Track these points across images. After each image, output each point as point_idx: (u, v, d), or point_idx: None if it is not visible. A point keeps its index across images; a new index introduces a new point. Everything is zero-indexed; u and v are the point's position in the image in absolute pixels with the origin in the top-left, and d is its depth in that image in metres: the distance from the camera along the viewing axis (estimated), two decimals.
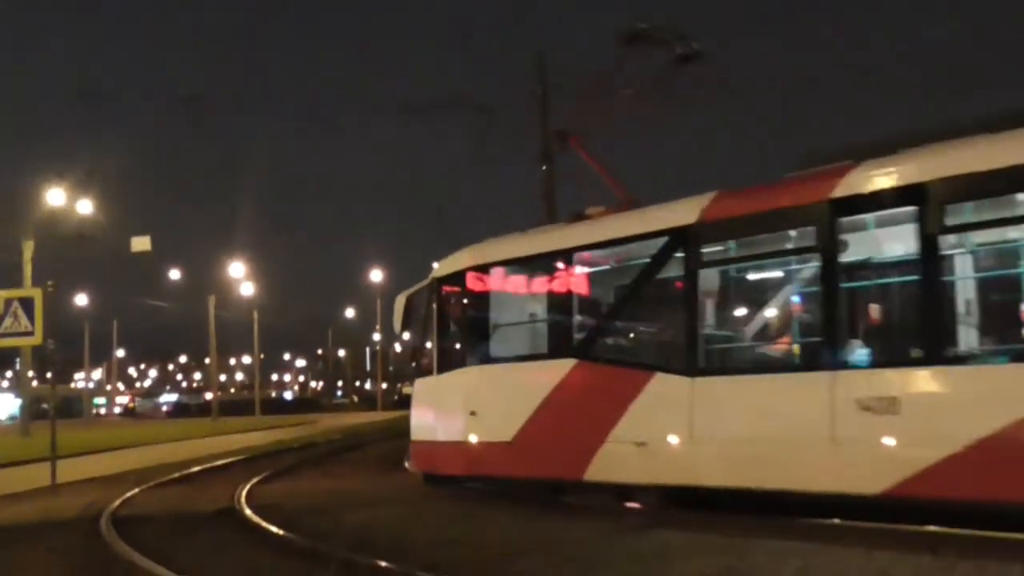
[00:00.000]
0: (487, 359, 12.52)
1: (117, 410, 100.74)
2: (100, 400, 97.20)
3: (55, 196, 38.83)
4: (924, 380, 8.24)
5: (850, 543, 8.03)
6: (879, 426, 8.34)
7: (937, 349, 8.28)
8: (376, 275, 63.82)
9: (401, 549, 8.77)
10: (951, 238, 8.57)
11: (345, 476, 17.41)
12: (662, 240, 10.49)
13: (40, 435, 32.59)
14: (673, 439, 9.94)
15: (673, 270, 10.47)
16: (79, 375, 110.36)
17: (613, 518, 10.27)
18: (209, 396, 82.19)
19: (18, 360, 56.84)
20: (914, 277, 8.65)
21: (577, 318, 11.54)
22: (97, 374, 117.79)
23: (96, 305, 76.21)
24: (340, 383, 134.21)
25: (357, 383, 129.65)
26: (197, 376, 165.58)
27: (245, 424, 49.90)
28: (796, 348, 9.76)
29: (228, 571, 8.05)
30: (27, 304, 15.78)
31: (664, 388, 10.09)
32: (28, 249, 39.14)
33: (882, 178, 8.76)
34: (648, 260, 10.75)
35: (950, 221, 8.38)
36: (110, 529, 10.78)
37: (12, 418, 79.43)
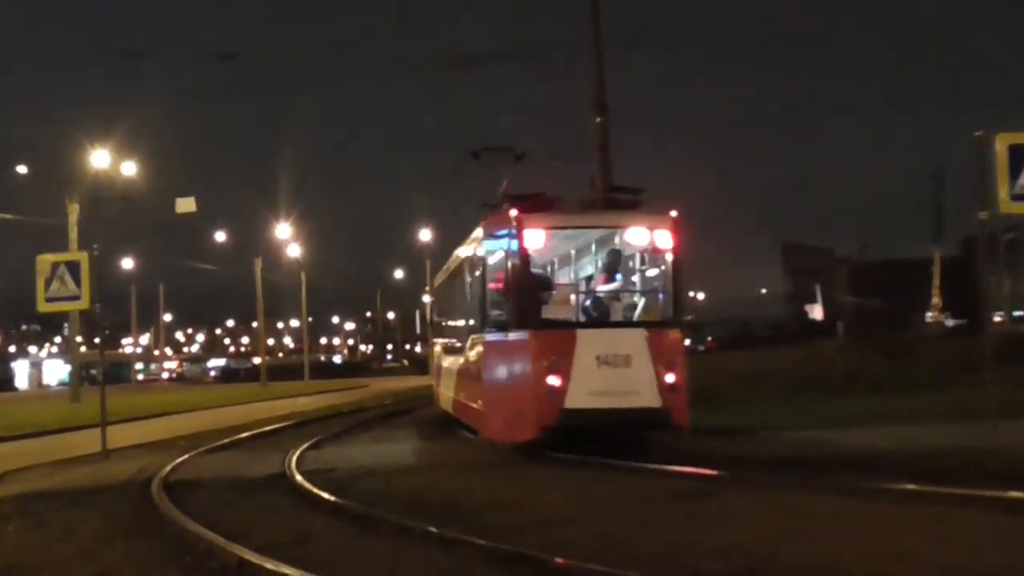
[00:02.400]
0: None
1: (165, 375, 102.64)
2: (140, 365, 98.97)
3: (99, 158, 39.40)
4: None
5: (915, 506, 8.01)
6: None
7: None
8: (424, 234, 63.89)
9: (455, 513, 8.83)
10: None
11: (397, 440, 17.55)
12: None
13: (89, 401, 33.36)
14: None
15: None
16: (127, 340, 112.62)
17: (679, 480, 10.27)
18: (257, 360, 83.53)
19: (66, 325, 58.06)
20: None
21: None
22: (145, 339, 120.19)
23: (143, 269, 77.75)
24: (390, 346, 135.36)
25: (407, 346, 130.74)
26: (245, 340, 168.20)
27: (294, 389, 50.66)
28: None
29: (279, 535, 8.15)
30: (74, 268, 16.01)
31: None
32: (73, 212, 39.82)
33: None
34: None
35: None
36: (161, 494, 10.99)
37: (62, 384, 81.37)
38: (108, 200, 39.52)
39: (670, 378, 12.52)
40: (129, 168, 39.86)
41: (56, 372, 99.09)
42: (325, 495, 10.32)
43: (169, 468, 13.73)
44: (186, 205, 37.80)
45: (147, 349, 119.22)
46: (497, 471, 11.96)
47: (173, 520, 9.25)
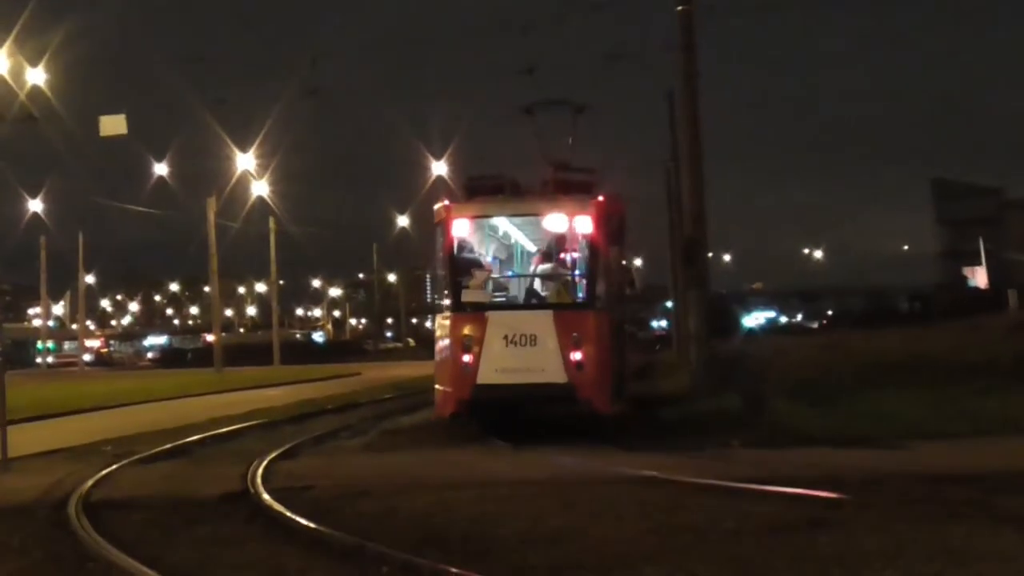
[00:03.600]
0: None
1: (86, 357, 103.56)
2: (51, 344, 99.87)
3: None
4: None
5: None
6: None
7: None
8: (439, 168, 63.82)
9: (483, 548, 8.84)
10: None
11: (400, 448, 17.67)
12: None
13: None
14: None
15: None
16: (34, 310, 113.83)
17: (784, 504, 10.24)
18: (210, 338, 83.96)
19: None
20: None
21: None
22: (59, 309, 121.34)
23: (56, 214, 77.30)
24: (390, 320, 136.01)
25: (413, 319, 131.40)
26: (194, 311, 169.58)
27: (259, 376, 51.12)
28: None
29: None
30: None
31: None
32: None
33: None
34: None
35: None
36: (81, 518, 11.06)
37: None
38: (6, 120, 39.68)
39: (576, 355, 17.10)
40: (36, 76, 39.96)
41: None
42: (302, 521, 10.38)
43: (91, 483, 13.81)
44: (114, 126, 37.77)
45: (61, 322, 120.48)
46: (538, 490, 12.04)
47: (97, 554, 9.32)
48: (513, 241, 21.32)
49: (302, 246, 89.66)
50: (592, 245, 17.93)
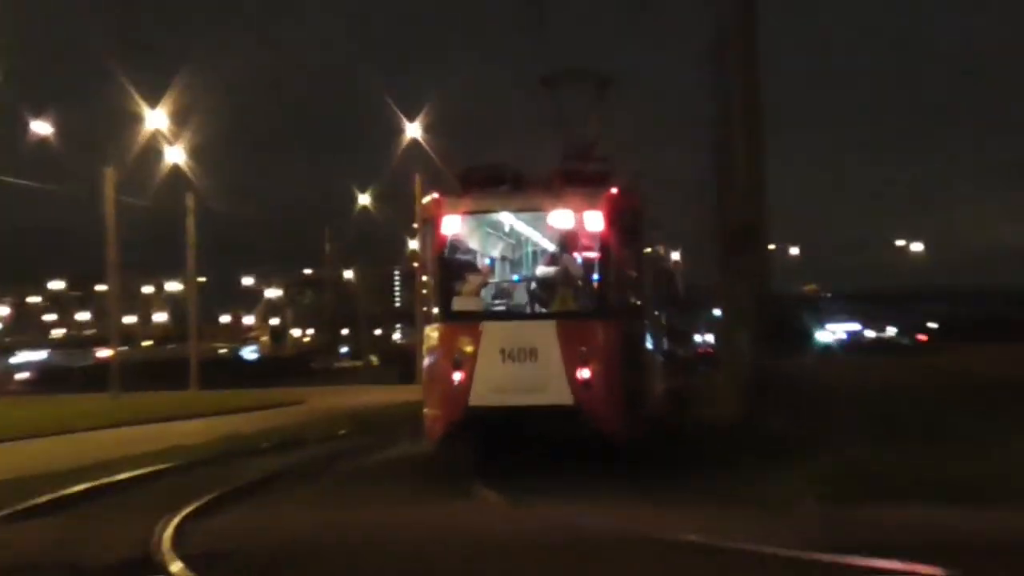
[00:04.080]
0: None
1: None
2: None
3: None
4: None
5: None
6: None
7: None
8: (413, 130, 63.88)
9: None
10: None
11: (359, 501, 17.84)
12: None
13: None
14: None
15: None
16: None
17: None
18: (105, 353, 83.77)
19: None
20: None
21: None
22: None
23: None
24: (346, 331, 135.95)
25: (378, 331, 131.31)
26: (83, 317, 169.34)
27: (172, 404, 51.11)
28: None
29: None
30: None
31: None
32: None
33: None
34: None
35: None
36: None
37: None
38: None
39: (584, 373, 18.61)
40: None
41: None
42: None
43: None
44: None
45: None
46: (541, 560, 12.11)
47: None
48: (521, 239, 23.11)
49: (231, 232, 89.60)
50: (603, 245, 19.54)
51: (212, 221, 79.01)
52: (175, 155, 64.42)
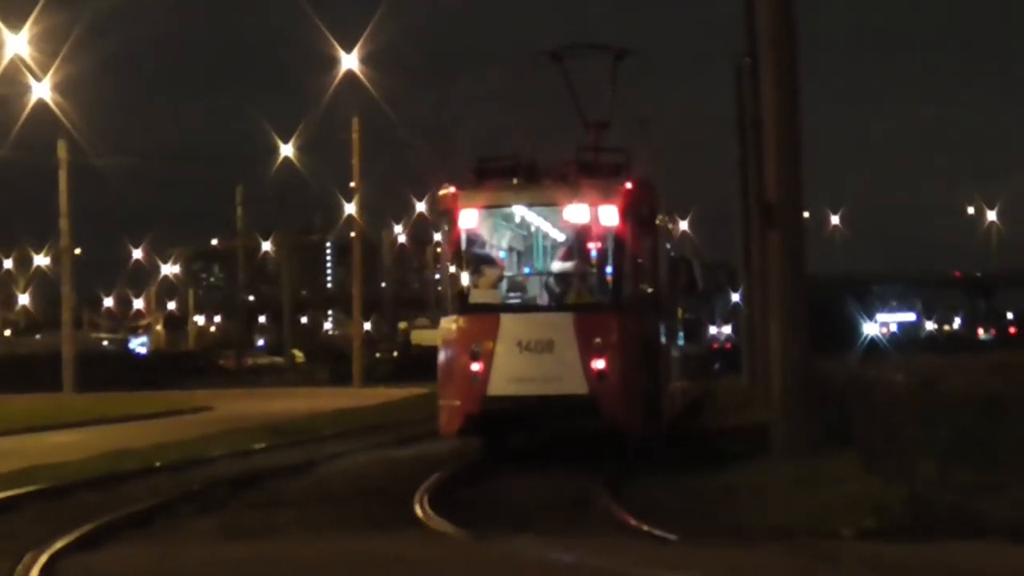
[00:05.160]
0: None
1: None
2: None
3: None
4: None
5: None
6: None
7: None
8: (350, 61, 63.97)
9: None
10: None
11: (277, 533, 18.00)
12: None
13: None
14: None
15: None
16: None
17: None
18: None
19: None
20: None
21: None
22: None
23: None
24: (263, 319, 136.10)
25: (303, 318, 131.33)
26: None
27: (39, 411, 51.56)
28: None
29: None
30: None
31: None
32: None
33: None
34: None
35: None
36: None
37: None
38: None
39: (599, 364, 23.73)
40: None
41: None
42: None
43: None
44: None
45: None
46: None
47: None
48: (533, 230, 28.47)
49: (116, 192, 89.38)
50: (618, 238, 24.51)
51: (92, 177, 78.70)
52: (41, 90, 64.09)
